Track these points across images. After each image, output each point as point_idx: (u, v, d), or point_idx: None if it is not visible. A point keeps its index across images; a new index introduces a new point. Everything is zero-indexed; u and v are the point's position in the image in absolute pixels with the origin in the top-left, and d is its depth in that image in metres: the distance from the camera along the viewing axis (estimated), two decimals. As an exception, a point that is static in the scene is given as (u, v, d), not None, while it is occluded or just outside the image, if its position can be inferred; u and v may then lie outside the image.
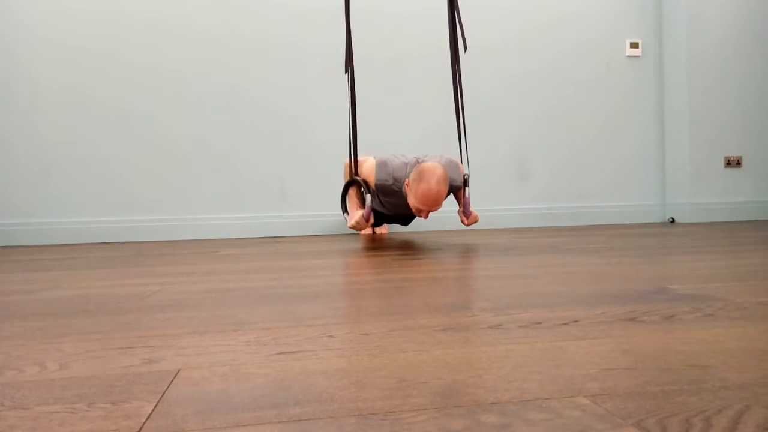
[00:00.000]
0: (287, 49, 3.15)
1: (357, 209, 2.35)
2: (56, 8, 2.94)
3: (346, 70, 2.28)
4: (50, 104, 2.94)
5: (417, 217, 2.84)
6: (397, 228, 3.21)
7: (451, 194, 2.51)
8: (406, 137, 3.23)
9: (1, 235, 2.89)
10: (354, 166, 2.32)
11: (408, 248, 2.04)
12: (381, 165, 2.35)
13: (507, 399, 0.47)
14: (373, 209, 2.73)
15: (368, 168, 2.38)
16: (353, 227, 2.30)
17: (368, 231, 2.99)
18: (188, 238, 3.03)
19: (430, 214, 2.73)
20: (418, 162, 2.31)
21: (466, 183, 2.37)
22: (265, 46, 3.12)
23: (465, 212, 2.36)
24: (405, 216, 2.72)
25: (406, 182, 2.24)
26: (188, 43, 3.06)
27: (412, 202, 2.18)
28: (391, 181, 2.33)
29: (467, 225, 2.40)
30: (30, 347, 0.69)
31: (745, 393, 0.47)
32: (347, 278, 1.25)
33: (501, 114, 3.37)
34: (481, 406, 0.46)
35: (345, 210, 2.47)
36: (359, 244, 2.29)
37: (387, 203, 2.46)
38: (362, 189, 2.31)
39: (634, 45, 3.51)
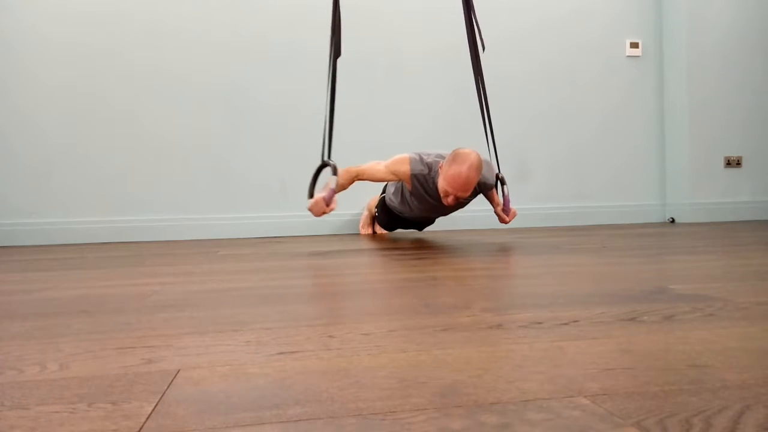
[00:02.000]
0: (287, 49, 3.15)
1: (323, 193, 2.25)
2: (56, 8, 2.94)
3: (335, 56, 2.24)
4: (50, 104, 2.94)
5: (431, 221, 2.82)
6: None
7: (482, 194, 2.51)
8: (407, 136, 3.23)
9: (1, 235, 2.89)
10: (329, 149, 2.22)
11: (408, 248, 2.04)
12: (415, 158, 2.34)
13: (507, 399, 0.47)
14: (393, 213, 2.70)
15: (403, 162, 2.33)
16: (309, 209, 2.17)
17: (368, 231, 2.99)
18: (188, 238, 3.03)
19: (456, 213, 2.70)
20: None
21: (503, 182, 2.39)
22: (265, 46, 3.12)
23: (505, 209, 2.38)
24: (429, 219, 2.71)
25: (440, 165, 2.23)
26: (188, 43, 3.06)
27: (441, 184, 2.18)
28: (427, 171, 2.32)
29: (507, 222, 2.42)
30: (30, 347, 0.69)
31: (746, 393, 0.47)
32: (347, 278, 1.25)
33: (501, 113, 3.37)
34: (481, 406, 0.46)
35: (311, 195, 2.32)
36: (360, 245, 2.29)
37: (421, 197, 2.41)
38: (332, 171, 2.18)
39: (634, 45, 3.51)
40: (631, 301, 0.89)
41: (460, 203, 2.33)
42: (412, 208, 2.52)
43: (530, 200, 3.40)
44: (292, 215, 3.14)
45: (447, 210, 2.49)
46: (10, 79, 2.91)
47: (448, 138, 3.18)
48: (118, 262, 1.77)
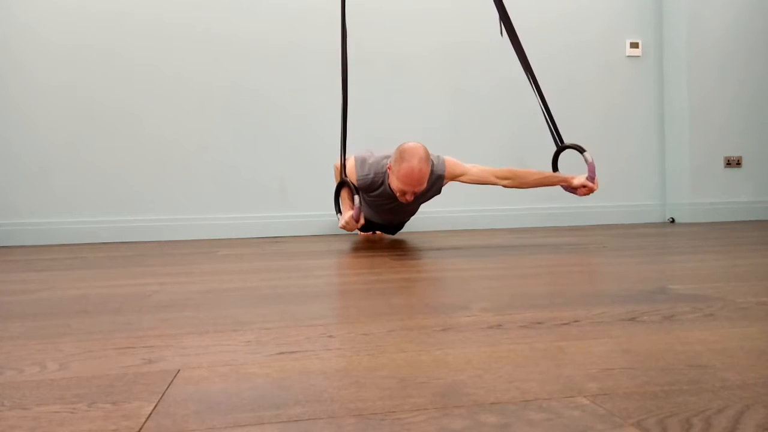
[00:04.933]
0: (287, 49, 3.15)
1: (348, 210, 2.35)
2: (56, 8, 2.94)
3: (344, 70, 2.28)
4: (50, 104, 2.94)
5: (404, 223, 2.81)
6: (397, 228, 3.21)
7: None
8: (406, 136, 3.22)
9: (1, 235, 2.89)
10: (343, 168, 2.31)
11: (407, 248, 2.04)
12: (359, 162, 2.34)
13: (507, 399, 0.47)
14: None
15: (350, 168, 2.37)
16: (343, 227, 2.27)
17: (368, 231, 2.98)
18: (188, 238, 3.03)
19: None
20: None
21: (582, 149, 2.27)
22: (264, 46, 3.12)
23: (591, 177, 2.22)
24: (393, 222, 2.69)
25: (389, 165, 2.23)
26: (188, 43, 3.06)
27: (395, 183, 2.18)
28: (372, 175, 2.32)
29: (595, 189, 2.25)
30: (30, 347, 0.69)
31: (745, 393, 0.47)
32: (347, 278, 1.25)
33: (501, 113, 3.37)
34: (481, 406, 0.46)
35: (339, 211, 2.46)
36: (359, 245, 2.30)
37: (372, 202, 2.44)
38: (352, 190, 2.30)
39: (634, 45, 3.51)
40: (631, 301, 0.89)
41: (418, 201, 2.33)
42: (372, 209, 2.51)
43: (530, 200, 3.40)
44: (292, 215, 3.14)
45: (405, 211, 2.49)
46: (10, 79, 2.91)
47: (447, 138, 3.19)
48: (118, 262, 1.77)
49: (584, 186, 2.24)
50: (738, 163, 3.45)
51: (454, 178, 2.40)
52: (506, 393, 0.48)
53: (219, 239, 2.95)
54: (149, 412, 0.46)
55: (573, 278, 1.15)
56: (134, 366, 0.60)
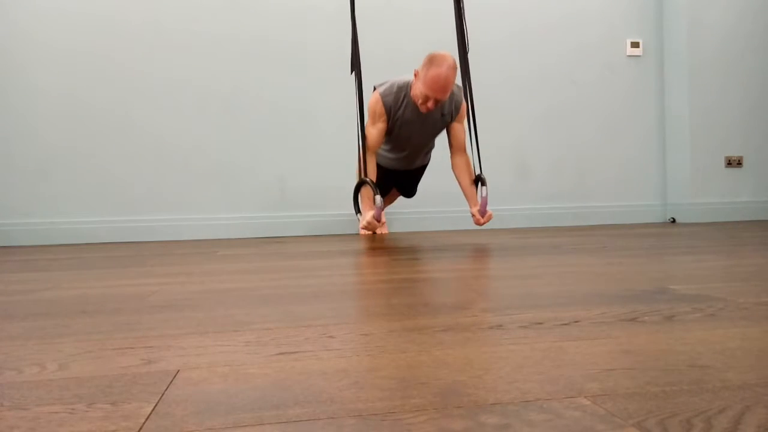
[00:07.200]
0: (287, 49, 3.15)
1: (369, 210, 2.35)
2: (55, 11, 2.94)
3: (352, 71, 2.29)
4: (49, 105, 2.94)
5: (419, 178, 2.83)
6: (396, 229, 3.21)
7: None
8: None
9: (0, 235, 2.88)
10: (364, 168, 2.32)
11: (408, 248, 2.04)
12: (379, 86, 2.41)
13: (507, 399, 0.47)
14: (378, 165, 2.74)
15: (374, 99, 2.40)
16: (365, 227, 2.30)
17: (369, 231, 2.99)
18: (188, 238, 3.03)
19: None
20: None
21: (483, 182, 2.40)
22: (264, 46, 3.12)
23: (481, 211, 2.38)
24: (410, 165, 2.69)
25: (415, 72, 2.26)
26: (187, 43, 3.06)
27: (421, 89, 2.20)
28: (395, 89, 2.35)
29: (482, 224, 2.42)
30: (29, 347, 0.69)
31: (746, 393, 0.47)
32: (347, 278, 1.25)
33: (502, 113, 3.37)
34: (482, 406, 0.45)
35: (358, 211, 2.48)
36: (359, 245, 2.29)
37: (395, 133, 2.44)
38: (373, 189, 2.32)
39: (635, 44, 3.50)
40: (632, 302, 0.89)
41: (435, 122, 2.34)
42: (390, 149, 2.50)
43: (531, 200, 3.40)
44: (292, 215, 3.14)
45: (422, 143, 2.51)
46: (10, 80, 2.91)
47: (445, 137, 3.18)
48: (117, 262, 1.77)
49: (474, 216, 2.45)
50: (739, 163, 3.45)
51: (460, 115, 2.44)
52: (507, 393, 0.48)
53: (219, 239, 2.95)
54: (148, 413, 0.46)
55: (573, 278, 1.15)
56: (133, 366, 0.60)
